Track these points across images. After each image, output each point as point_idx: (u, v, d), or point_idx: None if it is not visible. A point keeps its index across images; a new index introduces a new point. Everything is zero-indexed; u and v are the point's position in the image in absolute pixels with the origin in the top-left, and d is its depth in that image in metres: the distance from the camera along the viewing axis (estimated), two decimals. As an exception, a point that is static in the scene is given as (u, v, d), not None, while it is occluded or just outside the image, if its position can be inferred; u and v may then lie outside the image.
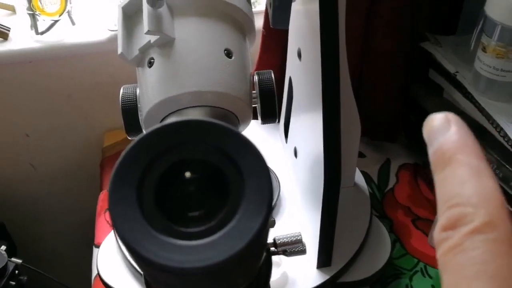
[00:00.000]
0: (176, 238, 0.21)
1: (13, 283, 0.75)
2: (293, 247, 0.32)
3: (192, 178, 0.23)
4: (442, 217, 0.21)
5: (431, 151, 0.23)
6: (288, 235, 0.33)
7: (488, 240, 0.20)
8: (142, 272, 0.28)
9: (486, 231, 0.20)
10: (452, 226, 0.21)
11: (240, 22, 0.45)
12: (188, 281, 0.22)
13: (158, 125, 0.22)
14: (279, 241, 0.33)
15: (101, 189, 0.77)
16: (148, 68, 0.42)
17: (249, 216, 0.22)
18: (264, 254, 0.27)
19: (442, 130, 0.23)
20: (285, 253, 0.33)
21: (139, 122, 0.44)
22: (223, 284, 0.24)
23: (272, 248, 0.33)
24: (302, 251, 0.33)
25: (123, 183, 0.22)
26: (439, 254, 0.21)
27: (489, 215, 0.20)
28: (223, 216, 0.22)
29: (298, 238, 0.32)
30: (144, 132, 0.22)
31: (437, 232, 0.21)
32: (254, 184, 0.22)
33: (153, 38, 0.41)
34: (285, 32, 0.64)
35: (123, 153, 0.22)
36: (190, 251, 0.21)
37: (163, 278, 0.23)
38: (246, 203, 0.22)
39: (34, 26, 0.77)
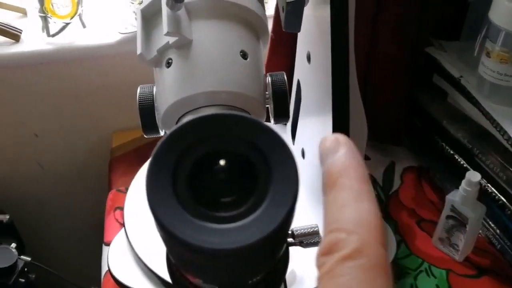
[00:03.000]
0: (208, 222, 0.23)
1: (23, 280, 0.76)
2: (310, 238, 0.34)
3: (223, 167, 0.24)
4: (322, 243, 0.22)
5: (322, 172, 0.24)
6: (305, 227, 0.34)
7: (356, 267, 0.20)
8: (170, 257, 0.29)
9: (355, 257, 0.20)
10: (328, 251, 0.21)
11: (254, 25, 0.46)
12: (219, 263, 0.23)
13: (193, 117, 0.24)
14: (296, 232, 0.34)
15: (109, 189, 0.78)
16: (166, 68, 0.43)
17: (277, 203, 0.23)
18: (284, 245, 0.29)
19: (332, 151, 0.24)
20: (302, 244, 0.34)
21: (155, 120, 0.45)
22: (249, 267, 0.25)
23: (290, 239, 0.34)
24: (319, 243, 0.34)
25: (159, 171, 0.23)
26: (318, 279, 0.21)
27: (360, 241, 0.21)
28: (253, 202, 0.23)
29: (315, 229, 0.34)
30: (179, 124, 0.24)
31: (316, 258, 0.22)
32: (281, 173, 0.23)
33: (171, 40, 0.42)
34: (293, 37, 0.66)
35: (159, 143, 0.24)
36: (222, 234, 0.22)
37: (194, 259, 0.24)
38: (273, 190, 0.23)
39: (46, 28, 0.79)
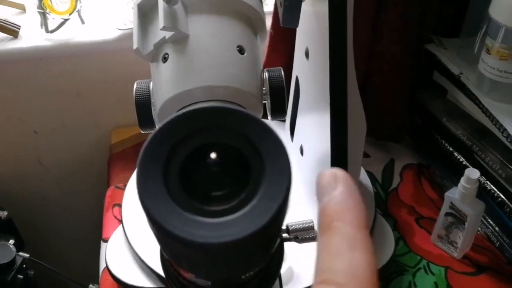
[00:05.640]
0: (200, 216, 0.22)
1: (21, 276, 0.76)
2: (305, 234, 0.33)
3: (215, 160, 0.24)
4: None
5: (318, 210, 0.23)
6: (300, 222, 0.34)
7: None
8: (163, 253, 0.29)
9: None
10: None
11: (251, 20, 0.46)
12: (210, 257, 0.23)
13: (185, 110, 0.24)
14: (291, 228, 0.34)
15: (108, 185, 0.78)
16: (162, 63, 0.43)
17: (269, 196, 0.23)
18: (278, 240, 0.28)
19: (329, 188, 0.23)
20: (297, 239, 0.34)
21: (152, 116, 0.45)
22: (242, 261, 0.25)
23: (285, 235, 0.34)
24: (313, 238, 0.34)
25: (150, 164, 0.23)
26: None
27: None
28: (245, 195, 0.23)
29: (310, 225, 0.33)
30: (169, 117, 0.24)
31: None
32: (274, 166, 0.23)
33: (168, 34, 0.42)
34: (292, 33, 0.66)
35: (150, 136, 0.23)
36: (214, 228, 0.22)
37: (186, 254, 0.24)
38: (266, 183, 0.23)
39: (44, 24, 0.78)
